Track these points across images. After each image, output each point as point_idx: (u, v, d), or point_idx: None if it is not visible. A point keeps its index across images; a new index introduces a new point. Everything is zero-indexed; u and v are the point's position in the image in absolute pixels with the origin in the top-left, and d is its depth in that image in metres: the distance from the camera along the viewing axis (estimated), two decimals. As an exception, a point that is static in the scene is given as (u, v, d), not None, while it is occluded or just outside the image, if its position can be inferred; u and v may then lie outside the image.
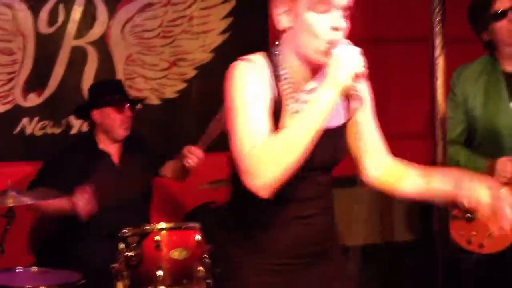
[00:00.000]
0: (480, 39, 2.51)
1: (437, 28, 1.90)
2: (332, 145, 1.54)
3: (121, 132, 2.92)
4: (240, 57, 1.56)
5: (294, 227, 1.53)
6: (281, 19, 1.51)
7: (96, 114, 2.94)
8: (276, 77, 1.51)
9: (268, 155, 1.37)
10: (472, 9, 2.50)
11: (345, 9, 1.47)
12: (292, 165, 1.37)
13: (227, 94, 1.50)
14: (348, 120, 1.60)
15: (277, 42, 1.56)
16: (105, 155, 2.93)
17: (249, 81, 1.48)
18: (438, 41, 1.90)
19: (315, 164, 1.50)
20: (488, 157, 2.41)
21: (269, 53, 1.56)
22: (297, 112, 1.47)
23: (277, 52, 1.54)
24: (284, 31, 1.52)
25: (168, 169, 3.10)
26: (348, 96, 1.52)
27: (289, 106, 1.49)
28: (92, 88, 3.10)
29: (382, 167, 1.65)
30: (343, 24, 1.46)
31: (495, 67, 2.46)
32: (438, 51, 1.88)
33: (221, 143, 3.52)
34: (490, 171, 2.34)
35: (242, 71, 1.50)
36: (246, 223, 1.56)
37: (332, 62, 1.41)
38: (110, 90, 2.99)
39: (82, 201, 2.69)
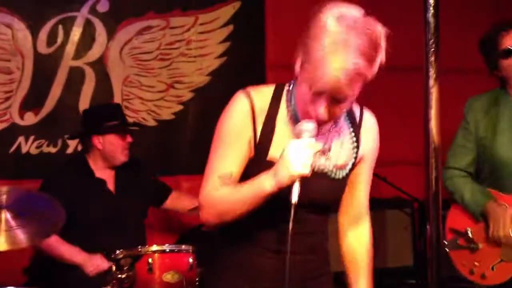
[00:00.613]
0: (492, 74, 2.56)
1: (432, 59, 1.92)
2: (331, 186, 1.56)
3: (122, 158, 2.89)
4: (247, 88, 1.63)
5: (269, 260, 1.55)
6: (298, 62, 1.53)
7: (97, 140, 2.87)
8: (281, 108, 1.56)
9: (216, 206, 1.52)
10: (481, 46, 2.56)
11: (342, 99, 1.46)
12: (234, 218, 1.50)
13: (219, 121, 1.61)
14: (354, 166, 1.61)
15: (292, 83, 1.59)
16: (101, 182, 2.89)
17: (236, 119, 1.55)
18: (432, 72, 1.93)
19: (304, 202, 1.48)
20: (495, 189, 2.43)
21: (284, 87, 1.60)
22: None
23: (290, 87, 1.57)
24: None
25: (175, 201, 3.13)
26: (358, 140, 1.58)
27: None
28: (92, 113, 3.04)
29: (352, 230, 1.71)
30: (322, 116, 1.45)
31: (506, 100, 2.50)
32: (432, 82, 1.89)
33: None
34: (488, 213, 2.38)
35: (236, 106, 1.58)
36: (230, 247, 1.60)
37: (281, 158, 1.41)
38: (112, 116, 2.93)
39: (95, 270, 2.67)
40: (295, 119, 1.53)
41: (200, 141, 3.68)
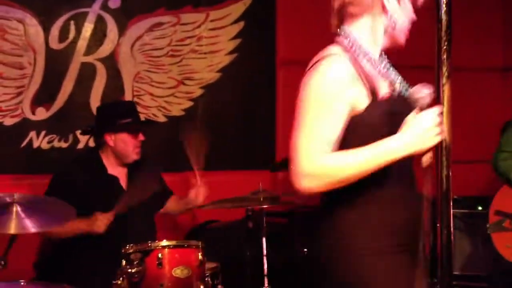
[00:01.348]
0: None
1: (444, 56, 1.91)
2: None
3: (134, 156, 2.88)
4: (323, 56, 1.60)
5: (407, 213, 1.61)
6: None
7: (109, 138, 2.86)
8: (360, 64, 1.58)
9: (336, 173, 1.47)
10: None
11: None
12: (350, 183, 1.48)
13: (306, 86, 1.55)
14: None
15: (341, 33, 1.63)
16: (113, 178, 2.89)
17: (336, 82, 1.53)
18: (444, 70, 1.92)
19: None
20: None
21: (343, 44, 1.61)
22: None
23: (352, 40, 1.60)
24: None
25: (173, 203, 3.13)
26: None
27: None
28: (105, 109, 3.02)
29: None
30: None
31: None
32: (444, 79, 1.89)
33: (219, 162, 3.60)
34: None
35: (332, 70, 1.54)
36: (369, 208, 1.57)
37: (415, 128, 1.49)
38: (125, 114, 2.91)
39: (103, 225, 2.68)
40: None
41: (210, 138, 3.69)
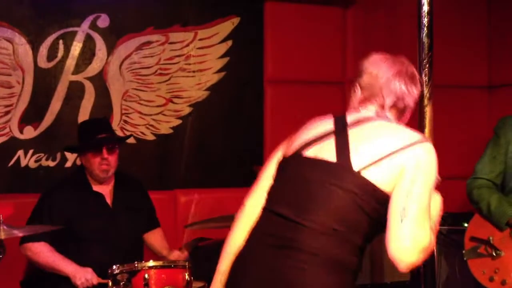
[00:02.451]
0: None
1: (425, 78, 1.96)
2: None
3: (100, 174, 2.88)
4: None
5: None
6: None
7: (80, 158, 2.95)
8: None
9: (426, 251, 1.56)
10: None
11: None
12: None
13: (429, 169, 1.59)
14: None
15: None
16: (98, 195, 2.91)
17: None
18: (425, 91, 1.96)
19: None
20: None
21: None
22: None
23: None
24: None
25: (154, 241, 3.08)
26: None
27: None
28: (78, 130, 3.06)
29: None
30: None
31: None
32: (425, 101, 1.94)
33: (207, 179, 3.61)
34: None
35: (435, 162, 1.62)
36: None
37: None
38: (89, 133, 2.94)
39: (83, 284, 2.66)
40: None
41: (197, 155, 3.71)
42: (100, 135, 2.91)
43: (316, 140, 1.62)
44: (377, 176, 1.53)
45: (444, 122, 3.43)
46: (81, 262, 2.74)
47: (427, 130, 2.01)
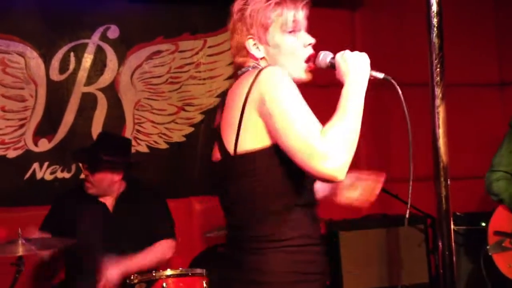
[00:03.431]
0: None
1: (437, 79, 1.95)
2: None
3: (110, 193, 2.90)
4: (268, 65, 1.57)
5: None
6: (255, 52, 1.62)
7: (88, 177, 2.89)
8: None
9: (342, 136, 1.42)
10: None
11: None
12: (355, 147, 1.45)
13: (273, 95, 1.47)
14: None
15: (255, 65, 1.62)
16: (100, 204, 2.90)
17: (291, 83, 1.51)
18: (438, 91, 1.95)
19: None
20: None
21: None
22: None
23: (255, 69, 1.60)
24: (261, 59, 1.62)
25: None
26: None
27: None
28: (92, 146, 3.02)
29: None
30: (312, 40, 1.62)
31: None
32: (438, 101, 1.92)
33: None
34: None
35: (282, 75, 1.52)
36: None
37: (347, 60, 1.56)
38: (83, 156, 2.95)
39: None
40: None
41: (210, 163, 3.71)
42: (87, 157, 2.90)
43: None
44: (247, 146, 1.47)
45: (458, 121, 3.41)
46: (86, 269, 2.74)
47: (441, 130, 2.00)
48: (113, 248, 2.76)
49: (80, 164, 2.95)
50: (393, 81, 1.54)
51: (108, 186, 2.87)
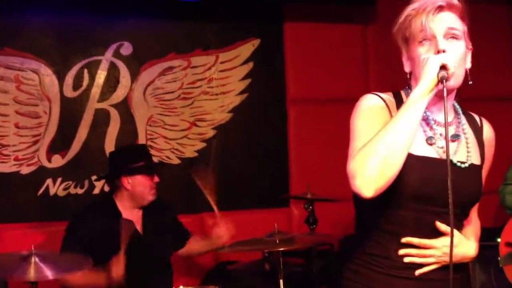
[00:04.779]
0: None
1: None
2: (466, 181, 1.57)
3: (150, 198, 2.91)
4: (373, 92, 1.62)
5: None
6: (405, 64, 1.64)
7: (126, 181, 2.89)
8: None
9: (367, 151, 1.43)
10: None
11: (448, 33, 1.54)
12: (392, 162, 1.42)
13: (351, 117, 1.59)
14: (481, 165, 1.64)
15: (407, 87, 1.65)
16: (129, 222, 2.88)
17: (374, 109, 1.56)
18: (453, 106, 1.93)
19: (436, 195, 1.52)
20: None
21: (402, 92, 1.65)
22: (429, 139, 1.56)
23: (408, 91, 1.62)
24: (409, 75, 1.62)
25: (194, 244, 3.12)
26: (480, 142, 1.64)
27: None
28: (119, 154, 3.05)
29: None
30: (445, 45, 1.52)
31: None
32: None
33: (233, 201, 3.59)
34: None
35: (371, 101, 1.58)
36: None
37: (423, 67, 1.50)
38: (139, 157, 2.95)
39: (121, 268, 2.64)
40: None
41: (223, 178, 3.71)
42: (151, 160, 3.01)
43: None
44: None
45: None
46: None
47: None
48: (141, 266, 2.76)
49: (156, 175, 2.95)
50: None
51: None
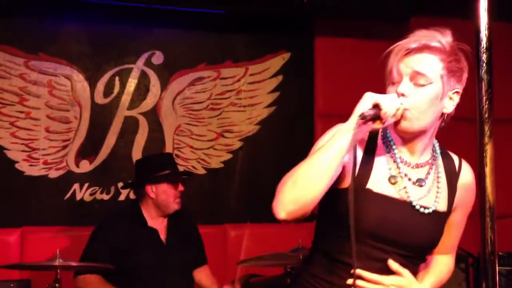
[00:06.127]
0: None
1: (485, 116, 1.89)
2: (423, 227, 1.52)
3: (175, 206, 2.92)
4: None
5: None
6: None
7: (150, 189, 2.91)
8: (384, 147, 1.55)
9: (289, 174, 1.44)
10: None
11: (414, 76, 1.48)
12: (306, 190, 1.40)
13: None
14: (448, 212, 1.59)
15: None
16: (153, 231, 2.92)
17: (328, 135, 1.53)
18: (486, 128, 1.89)
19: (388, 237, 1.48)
20: None
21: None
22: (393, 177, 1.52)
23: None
24: None
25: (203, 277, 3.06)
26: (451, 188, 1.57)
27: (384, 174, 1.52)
28: (145, 162, 3.07)
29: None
30: (406, 89, 1.47)
31: None
32: (486, 139, 1.86)
33: (258, 214, 3.58)
34: None
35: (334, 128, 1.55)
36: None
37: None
38: (164, 165, 2.97)
39: None
40: (388, 142, 1.55)
41: (247, 189, 3.71)
42: (176, 169, 3.03)
43: None
44: None
45: (504, 157, 3.32)
46: None
47: (488, 169, 1.93)
48: (162, 276, 2.77)
49: (181, 184, 2.96)
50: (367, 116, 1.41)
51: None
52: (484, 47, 2.02)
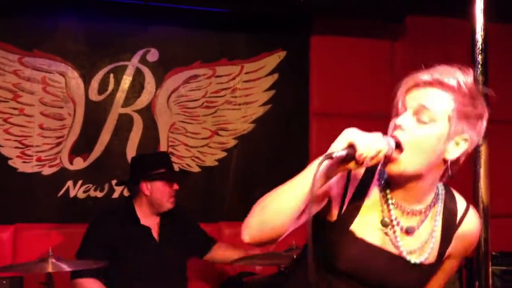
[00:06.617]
0: None
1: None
2: (406, 277, 1.44)
3: (168, 205, 2.92)
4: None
5: None
6: None
7: (145, 187, 2.91)
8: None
9: (261, 199, 1.39)
10: None
11: (419, 110, 1.36)
12: (270, 222, 1.35)
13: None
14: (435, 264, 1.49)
15: None
16: (146, 229, 2.91)
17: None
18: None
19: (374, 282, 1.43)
20: None
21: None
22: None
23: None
24: None
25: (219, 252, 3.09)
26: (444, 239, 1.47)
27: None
28: (141, 160, 3.07)
29: None
30: (405, 122, 1.35)
31: None
32: (480, 140, 1.86)
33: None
34: None
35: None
36: None
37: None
38: (160, 164, 2.97)
39: None
40: (383, 182, 1.44)
41: (243, 188, 3.70)
42: (172, 168, 3.02)
43: None
44: None
45: (499, 158, 3.33)
46: None
47: (482, 170, 1.94)
48: (155, 274, 2.76)
49: (176, 183, 2.95)
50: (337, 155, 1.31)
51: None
52: (480, 48, 2.03)
